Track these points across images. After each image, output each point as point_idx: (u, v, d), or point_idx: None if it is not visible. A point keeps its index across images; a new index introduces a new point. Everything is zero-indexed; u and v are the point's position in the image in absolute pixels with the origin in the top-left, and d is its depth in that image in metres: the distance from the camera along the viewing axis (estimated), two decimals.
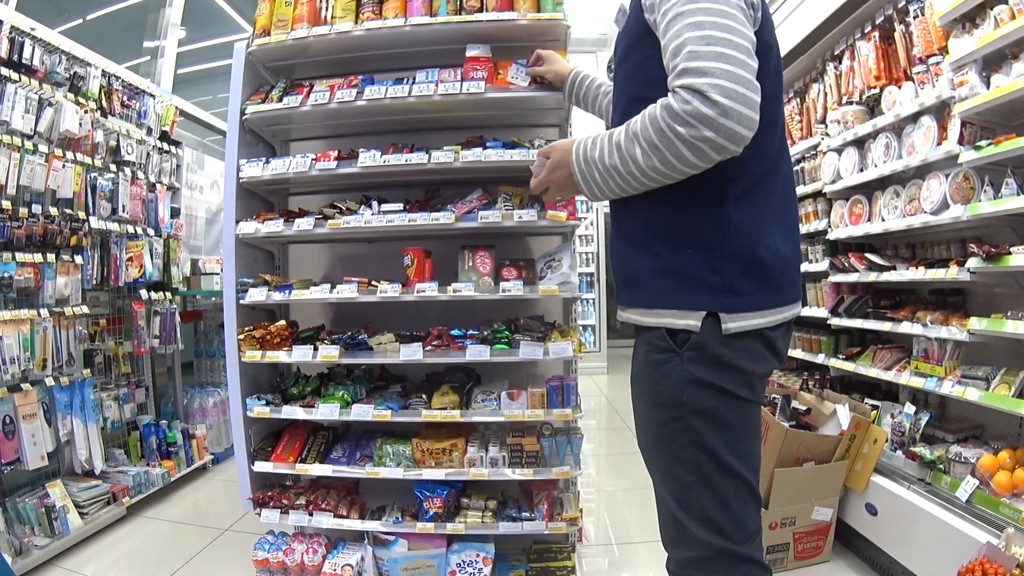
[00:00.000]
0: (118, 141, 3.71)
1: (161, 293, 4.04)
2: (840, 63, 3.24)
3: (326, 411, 2.48)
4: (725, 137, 1.09)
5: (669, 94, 1.13)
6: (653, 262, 1.31)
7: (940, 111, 2.55)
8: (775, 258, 1.29)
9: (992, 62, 2.28)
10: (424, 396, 2.51)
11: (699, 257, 1.26)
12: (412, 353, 2.40)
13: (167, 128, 4.28)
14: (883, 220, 2.87)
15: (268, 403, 2.55)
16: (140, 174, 3.92)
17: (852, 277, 3.04)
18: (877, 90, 2.91)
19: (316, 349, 2.48)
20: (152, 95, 4.15)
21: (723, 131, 1.08)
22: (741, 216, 1.26)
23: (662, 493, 1.34)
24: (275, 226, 2.49)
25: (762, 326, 1.27)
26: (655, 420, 1.32)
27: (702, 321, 1.24)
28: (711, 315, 1.24)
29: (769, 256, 1.27)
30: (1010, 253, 2.17)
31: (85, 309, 3.33)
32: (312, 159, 2.49)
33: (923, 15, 2.59)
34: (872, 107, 3.06)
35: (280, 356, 2.50)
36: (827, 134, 3.31)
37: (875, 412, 2.80)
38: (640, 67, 1.32)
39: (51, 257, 3.11)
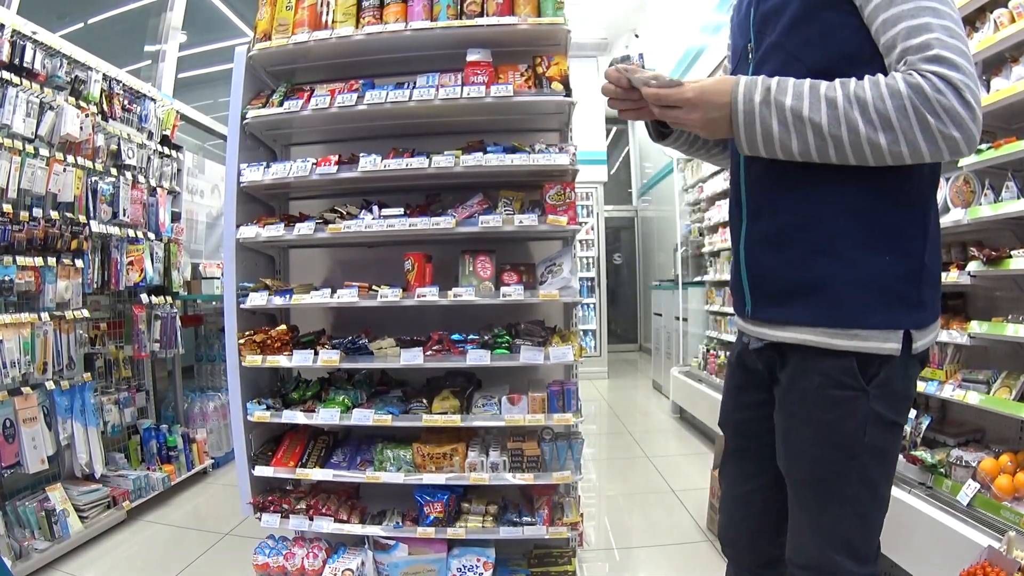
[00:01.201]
0: (119, 145, 3.72)
1: (162, 297, 4.04)
2: None
3: (326, 415, 2.48)
4: (967, 141, 1.01)
5: (915, 74, 1.01)
6: (847, 267, 1.15)
7: None
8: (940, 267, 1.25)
9: (992, 65, 2.28)
10: (425, 401, 2.51)
11: (900, 266, 1.14)
12: (413, 358, 2.40)
13: (168, 132, 4.28)
14: None
15: (269, 407, 2.54)
16: (141, 178, 3.92)
17: None
18: None
19: (317, 353, 2.48)
20: (153, 99, 4.16)
21: (967, 134, 1.01)
22: (934, 222, 1.18)
23: (808, 520, 1.26)
24: (276, 230, 2.50)
25: (934, 340, 1.21)
26: (824, 458, 1.20)
27: (901, 342, 1.14)
28: (906, 334, 1.14)
29: (941, 265, 1.24)
30: (1010, 256, 2.17)
31: (86, 313, 3.33)
32: (313, 163, 2.49)
33: None
34: None
35: (281, 360, 2.50)
36: None
37: None
38: (829, 35, 1.15)
39: (52, 261, 3.11)
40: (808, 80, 1.09)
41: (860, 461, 1.17)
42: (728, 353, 5.01)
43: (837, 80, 1.07)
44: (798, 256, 1.19)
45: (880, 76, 1.04)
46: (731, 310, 5.03)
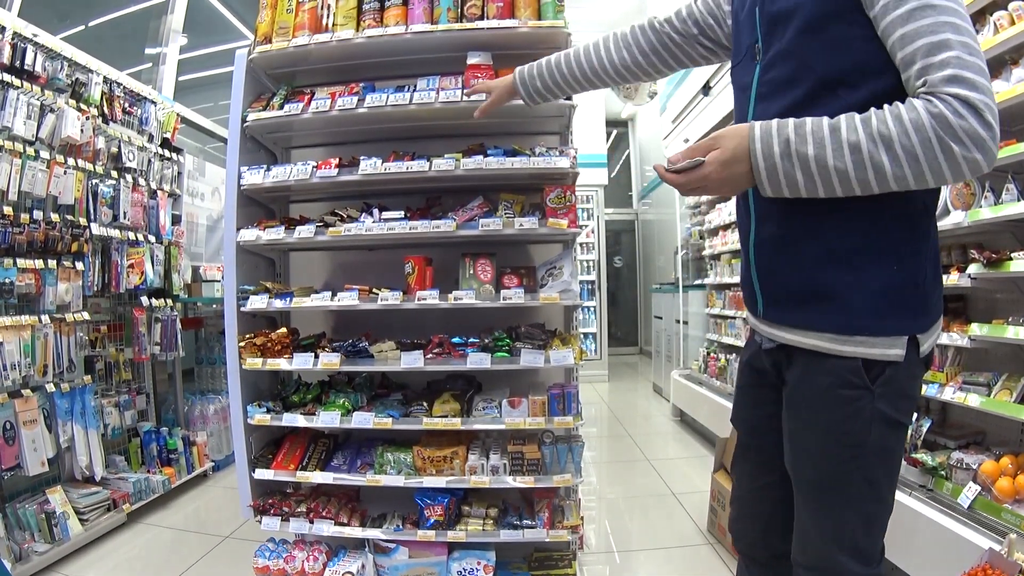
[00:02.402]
0: (119, 148, 3.72)
1: (162, 300, 4.04)
2: None
3: (327, 419, 2.48)
4: (987, 161, 1.00)
5: (934, 100, 1.00)
6: (857, 277, 1.16)
7: None
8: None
9: (991, 68, 2.27)
10: (425, 404, 2.51)
11: (906, 274, 1.16)
12: (413, 361, 2.40)
13: (168, 135, 4.29)
14: None
15: (269, 410, 2.54)
16: (141, 181, 3.92)
17: None
18: None
19: (317, 357, 2.47)
20: (153, 102, 4.16)
21: (989, 155, 0.99)
22: (935, 227, 1.22)
23: (814, 521, 1.27)
24: (276, 233, 2.50)
25: (936, 339, 1.22)
26: (830, 457, 1.22)
27: (906, 347, 1.16)
28: (911, 339, 1.17)
29: (940, 266, 1.25)
30: (1011, 259, 2.17)
31: (86, 315, 3.33)
32: (313, 166, 2.49)
33: None
34: None
35: (281, 363, 2.50)
36: None
37: None
38: (841, 46, 1.15)
39: (52, 263, 3.11)
40: (826, 121, 1.07)
41: (865, 460, 1.19)
42: (727, 356, 5.01)
43: (856, 117, 1.05)
44: (808, 263, 1.20)
45: (900, 107, 1.03)
46: (732, 313, 5.04)
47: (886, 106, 1.04)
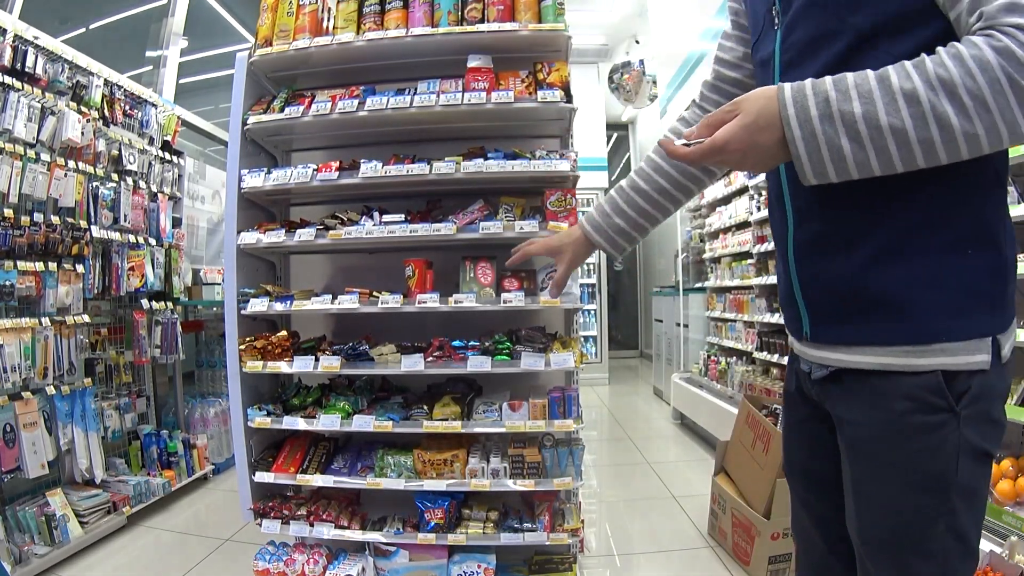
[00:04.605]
0: (120, 150, 3.72)
1: (162, 303, 4.04)
2: None
3: (327, 422, 2.48)
4: None
5: (996, 34, 0.80)
6: (927, 271, 0.93)
7: None
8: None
9: None
10: (425, 407, 2.50)
11: (984, 261, 0.94)
12: (413, 364, 2.40)
13: (169, 138, 4.29)
14: None
15: (269, 413, 2.54)
16: (142, 183, 3.93)
17: None
18: None
19: (317, 359, 2.47)
20: (154, 105, 4.17)
21: None
22: (1009, 208, 1.00)
23: None
24: (276, 236, 2.50)
25: (1014, 341, 1.00)
26: (909, 507, 0.96)
27: (991, 352, 0.93)
28: (993, 341, 0.94)
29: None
30: None
31: (86, 318, 3.34)
32: (314, 169, 2.50)
33: None
34: None
35: (281, 366, 2.49)
36: None
37: None
38: None
39: (52, 266, 3.12)
40: (870, 72, 0.85)
41: (951, 506, 0.94)
42: (728, 359, 5.01)
43: (906, 63, 0.84)
44: (864, 263, 0.97)
45: (958, 46, 0.82)
46: (732, 316, 5.03)
47: (939, 47, 0.84)
